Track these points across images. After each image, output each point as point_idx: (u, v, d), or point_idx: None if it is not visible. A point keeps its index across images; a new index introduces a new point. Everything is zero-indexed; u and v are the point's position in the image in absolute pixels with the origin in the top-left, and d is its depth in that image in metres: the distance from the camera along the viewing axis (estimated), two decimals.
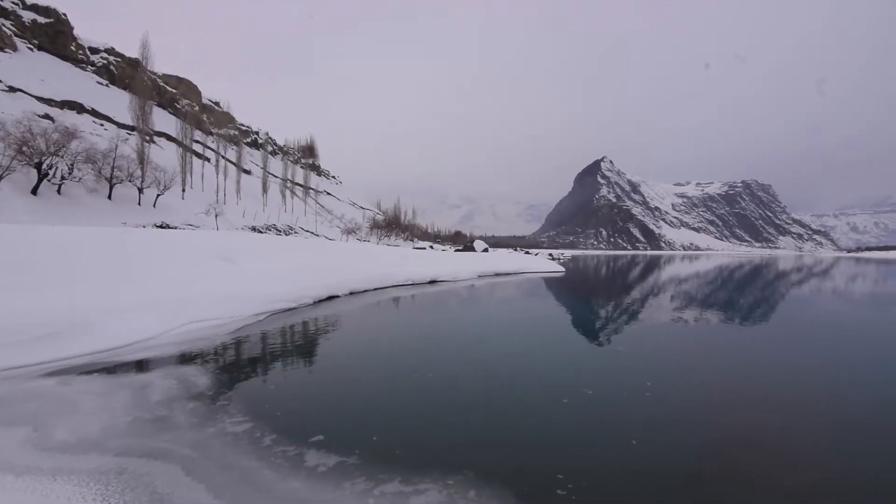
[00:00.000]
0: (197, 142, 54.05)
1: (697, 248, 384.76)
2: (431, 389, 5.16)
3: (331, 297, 12.94)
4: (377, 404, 4.73)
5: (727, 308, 13.43)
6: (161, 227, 28.79)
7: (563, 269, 32.32)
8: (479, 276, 22.85)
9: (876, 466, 3.53)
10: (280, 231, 47.24)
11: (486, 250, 49.90)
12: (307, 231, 53.02)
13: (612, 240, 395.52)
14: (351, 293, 14.11)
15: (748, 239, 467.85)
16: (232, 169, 56.66)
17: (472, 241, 58.75)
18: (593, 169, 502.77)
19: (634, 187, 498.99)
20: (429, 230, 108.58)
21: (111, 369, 5.73)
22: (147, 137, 37.03)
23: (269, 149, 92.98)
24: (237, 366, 6.08)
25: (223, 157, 54.85)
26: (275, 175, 70.24)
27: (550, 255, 71.53)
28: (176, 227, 29.58)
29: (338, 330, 8.68)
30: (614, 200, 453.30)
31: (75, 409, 4.43)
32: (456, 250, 51.44)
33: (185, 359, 6.27)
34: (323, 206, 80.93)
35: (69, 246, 11.13)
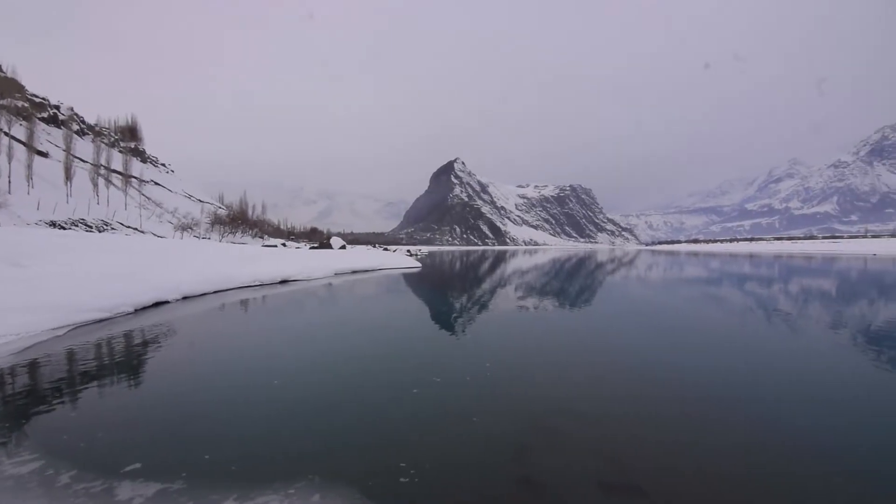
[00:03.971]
0: None
1: (536, 244, 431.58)
2: (275, 397, 4.84)
3: (158, 304, 11.28)
4: (211, 421, 4.27)
5: (558, 294, 15.36)
6: None
7: (419, 264, 33.28)
8: (335, 274, 22.23)
9: (680, 424, 4.39)
10: (91, 227, 39.68)
11: (343, 247, 48.72)
12: (129, 227, 45.47)
13: (464, 236, 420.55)
14: (184, 298, 12.48)
15: (575, 235, 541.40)
16: (20, 149, 45.49)
17: (329, 239, 56.84)
18: (447, 169, 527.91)
19: (484, 188, 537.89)
20: (281, 227, 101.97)
21: None
22: None
23: (76, 127, 76.82)
24: (23, 393, 4.92)
25: (7, 133, 43.64)
26: (83, 159, 58.54)
27: (408, 251, 73.01)
28: None
29: (164, 341, 7.60)
30: (466, 199, 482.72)
31: None
32: (311, 248, 49.22)
33: None
34: (150, 199, 70.05)
35: None
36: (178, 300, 12.10)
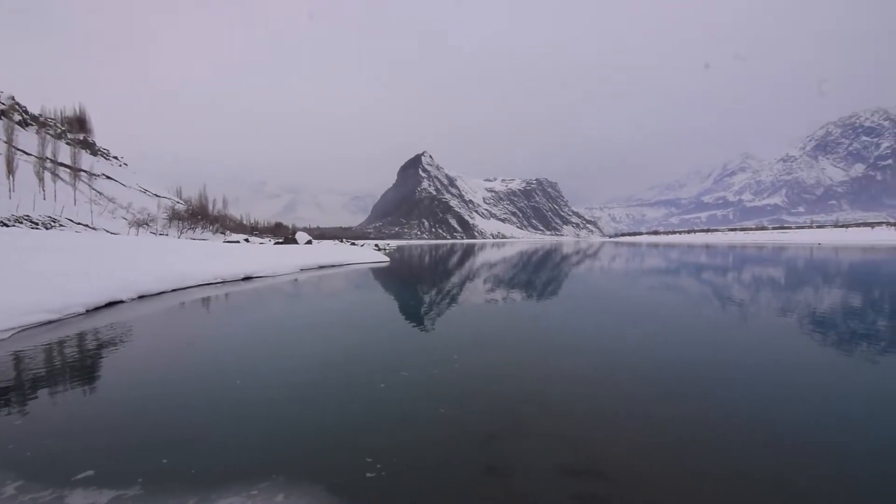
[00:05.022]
0: None
1: (504, 237, 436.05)
2: (238, 398, 4.71)
3: (112, 304, 10.77)
4: (170, 424, 4.12)
5: (525, 287, 15.61)
6: None
7: (387, 259, 33.07)
8: (301, 270, 21.79)
9: (646, 412, 4.55)
10: (37, 224, 37.50)
11: (309, 242, 47.80)
12: (79, 224, 43.17)
13: (433, 230, 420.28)
14: (140, 297, 11.96)
15: (541, 228, 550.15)
16: None
17: (295, 234, 55.61)
18: (415, 162, 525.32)
19: (452, 181, 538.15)
20: (244, 222, 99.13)
21: None
22: None
23: (18, 118, 71.85)
24: None
25: None
26: (27, 152, 54.98)
27: (377, 245, 72.43)
28: None
29: (118, 343, 7.26)
30: (434, 193, 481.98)
31: None
32: (276, 243, 48.06)
33: None
34: (101, 194, 66.47)
35: None
36: (133, 299, 11.58)
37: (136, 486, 3.03)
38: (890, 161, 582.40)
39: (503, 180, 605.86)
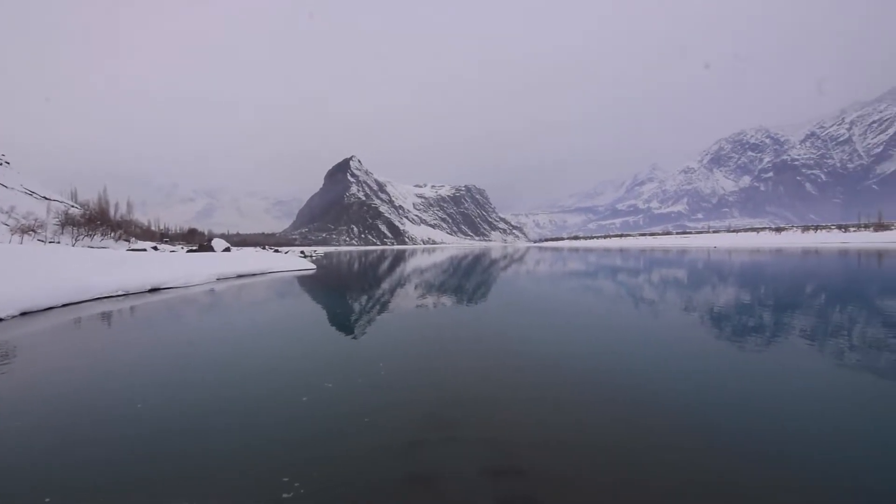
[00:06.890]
0: None
1: (434, 242, 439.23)
2: (137, 422, 4.26)
3: None
4: (59, 454, 3.63)
5: (454, 292, 15.78)
6: None
7: (314, 266, 31.94)
8: (218, 280, 20.43)
9: (570, 411, 4.70)
10: None
11: (227, 249, 44.88)
12: None
13: (362, 236, 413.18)
14: (23, 314, 10.53)
15: (470, 234, 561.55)
16: None
17: (211, 240, 51.92)
18: (343, 167, 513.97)
19: (381, 187, 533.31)
20: (152, 228, 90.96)
21: None
22: None
23: None
24: None
25: None
26: None
27: (302, 252, 69.73)
28: None
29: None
30: (364, 198, 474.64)
31: None
32: (189, 251, 44.64)
33: None
34: None
35: None
36: (13, 317, 10.17)
37: None
38: (771, 174, 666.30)
39: (433, 186, 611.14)
